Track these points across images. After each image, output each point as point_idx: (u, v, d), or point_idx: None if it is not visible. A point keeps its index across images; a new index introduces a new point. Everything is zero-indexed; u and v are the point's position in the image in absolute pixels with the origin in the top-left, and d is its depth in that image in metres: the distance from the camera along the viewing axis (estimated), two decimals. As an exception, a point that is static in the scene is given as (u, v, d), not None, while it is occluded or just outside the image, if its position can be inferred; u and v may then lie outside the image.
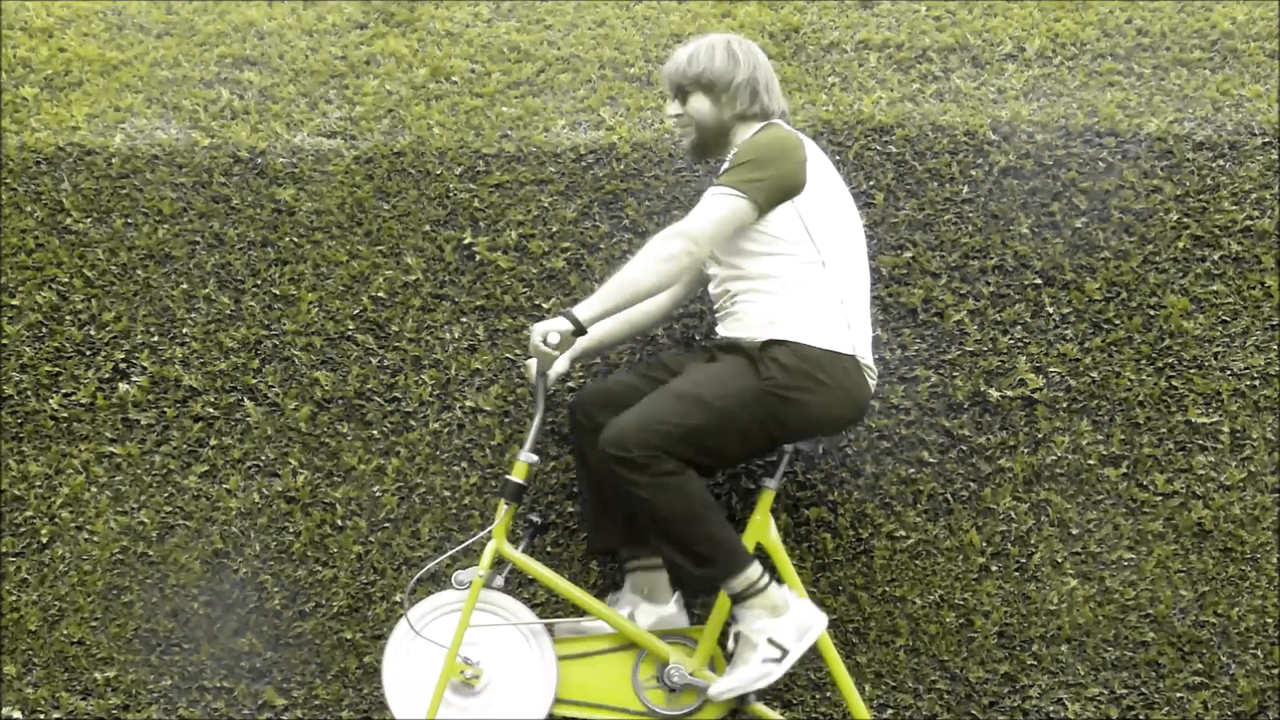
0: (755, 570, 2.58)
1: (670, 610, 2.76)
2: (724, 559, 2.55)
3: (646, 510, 2.53)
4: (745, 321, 2.65)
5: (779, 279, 2.61)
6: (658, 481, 2.50)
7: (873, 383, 2.68)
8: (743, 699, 2.68)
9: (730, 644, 2.63)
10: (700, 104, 2.72)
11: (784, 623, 2.56)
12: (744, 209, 2.55)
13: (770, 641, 2.55)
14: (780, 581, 2.66)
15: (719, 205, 2.55)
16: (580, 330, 2.54)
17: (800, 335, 2.58)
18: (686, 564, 2.56)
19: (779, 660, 2.54)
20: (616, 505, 2.72)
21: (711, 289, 2.79)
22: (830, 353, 2.58)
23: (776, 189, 2.57)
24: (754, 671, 2.54)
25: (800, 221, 2.60)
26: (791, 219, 2.59)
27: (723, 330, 2.74)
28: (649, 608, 2.77)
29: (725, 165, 2.63)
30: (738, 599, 2.58)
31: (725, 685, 2.56)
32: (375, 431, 3.10)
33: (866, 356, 2.67)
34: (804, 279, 2.60)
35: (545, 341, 2.52)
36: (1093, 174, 3.10)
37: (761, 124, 2.74)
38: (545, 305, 3.11)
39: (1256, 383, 3.04)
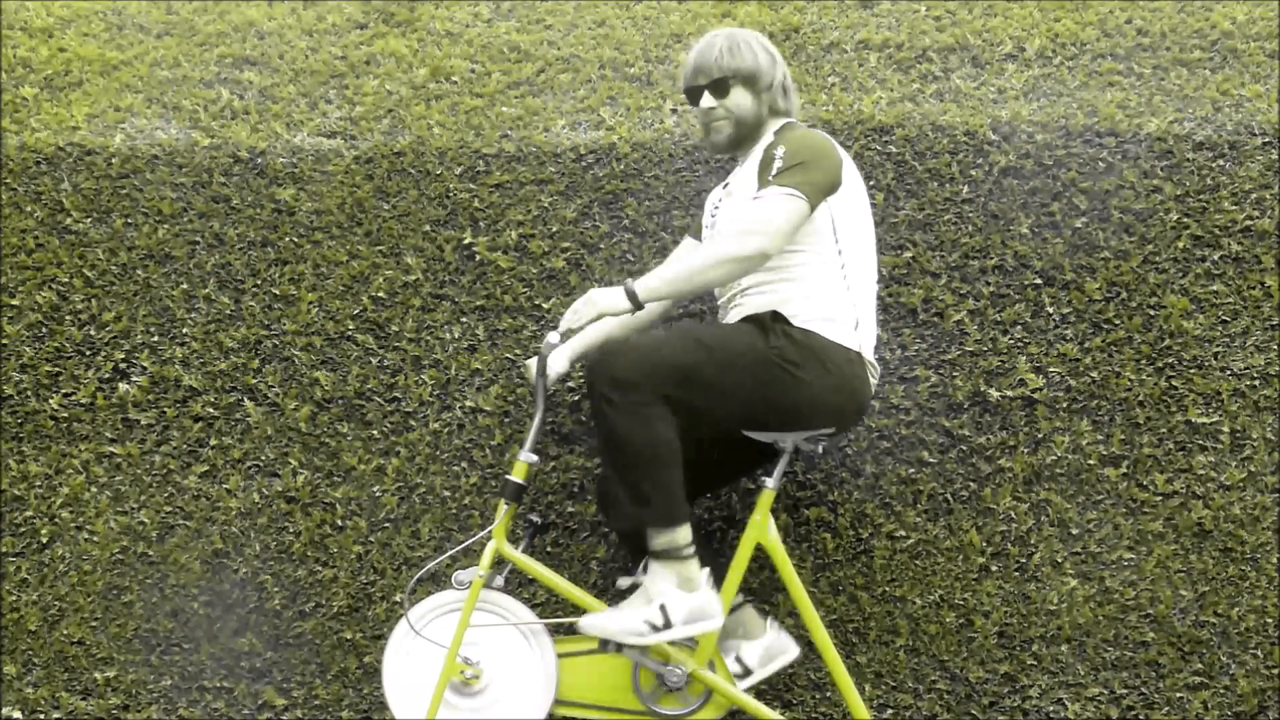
0: (684, 535, 2.51)
1: (772, 638, 2.77)
2: (659, 506, 2.48)
3: (606, 430, 2.47)
4: (752, 309, 2.64)
5: (795, 270, 2.60)
6: (630, 405, 2.44)
7: (874, 382, 2.68)
8: (606, 644, 2.61)
9: (635, 593, 2.58)
10: (742, 98, 2.69)
11: (684, 599, 2.50)
12: (805, 210, 2.53)
13: (661, 607, 2.49)
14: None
15: (788, 207, 2.51)
16: (637, 306, 2.50)
17: (810, 324, 2.57)
18: (624, 495, 2.51)
19: (658, 629, 2.48)
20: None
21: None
22: (838, 345, 2.58)
23: (824, 190, 2.57)
24: (631, 623, 2.49)
25: (830, 219, 2.60)
26: (823, 216, 2.60)
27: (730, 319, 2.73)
28: (751, 645, 2.77)
29: (778, 165, 2.55)
30: (657, 555, 2.52)
31: (597, 622, 2.50)
32: (375, 431, 3.10)
33: (870, 356, 2.66)
34: (821, 275, 2.60)
35: (598, 316, 2.51)
36: (1093, 174, 3.10)
37: (784, 121, 2.74)
38: (545, 305, 3.11)
39: (1256, 383, 3.04)
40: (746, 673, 2.75)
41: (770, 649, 2.77)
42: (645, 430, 2.46)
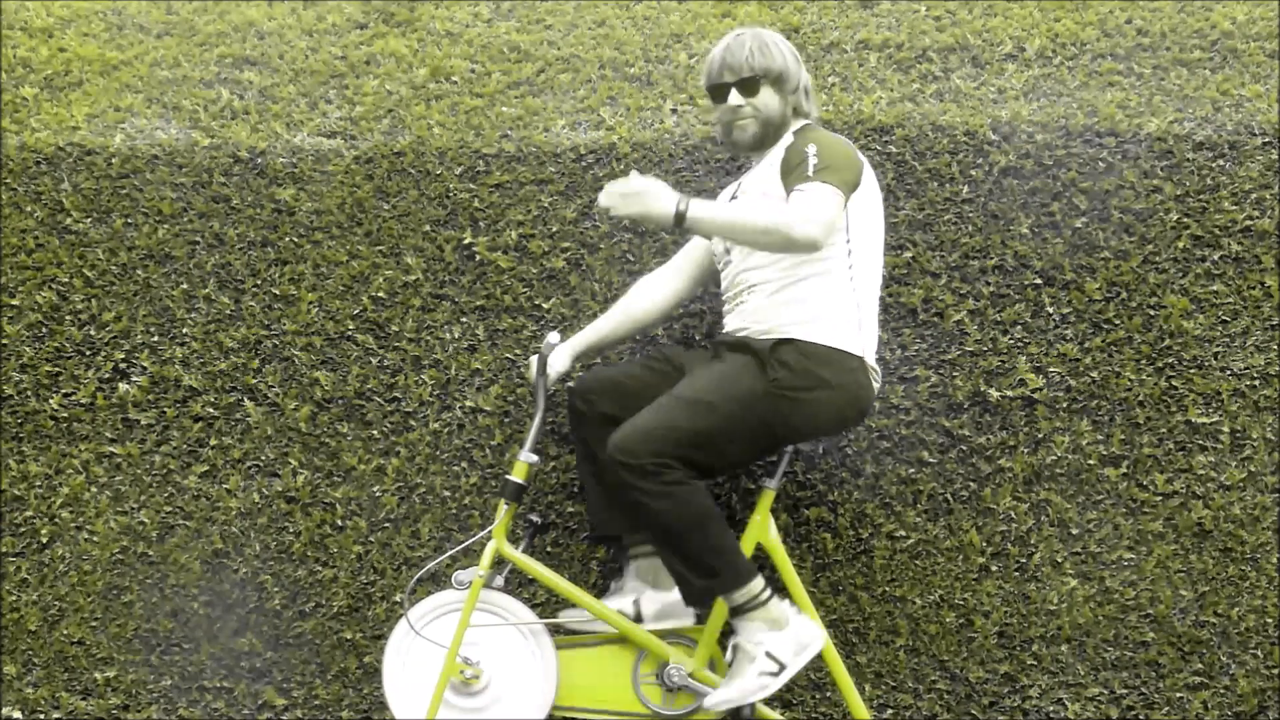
0: (758, 583, 2.58)
1: (675, 596, 2.74)
2: (727, 570, 2.55)
3: (651, 518, 2.53)
4: (758, 315, 2.64)
5: (802, 269, 2.60)
6: (665, 489, 2.50)
7: (876, 385, 2.68)
8: (737, 711, 2.68)
9: (729, 654, 2.63)
10: (770, 98, 2.69)
11: (783, 637, 2.57)
12: (843, 206, 2.56)
13: (768, 655, 2.55)
14: (782, 595, 2.65)
15: (836, 202, 2.51)
16: (680, 220, 2.49)
17: (812, 333, 2.58)
18: (689, 574, 2.57)
19: (776, 674, 2.54)
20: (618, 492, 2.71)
21: (724, 280, 2.78)
22: (839, 351, 2.58)
23: (853, 190, 2.59)
24: (751, 684, 2.54)
25: (845, 218, 2.60)
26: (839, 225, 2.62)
27: (732, 322, 2.72)
28: (654, 594, 2.77)
29: (814, 163, 2.54)
30: (737, 611, 2.58)
31: (721, 697, 2.56)
32: (375, 431, 3.10)
33: (872, 359, 2.67)
34: (827, 273, 2.60)
35: (639, 220, 2.51)
36: (1093, 174, 3.10)
37: (803, 123, 2.76)
38: (545, 305, 3.11)
39: (1256, 383, 3.03)
40: (638, 618, 2.76)
41: (669, 608, 2.77)
42: (685, 506, 2.52)
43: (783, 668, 2.55)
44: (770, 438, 2.61)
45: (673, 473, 2.50)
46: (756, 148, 2.74)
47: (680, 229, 2.51)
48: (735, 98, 2.69)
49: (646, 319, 2.90)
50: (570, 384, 2.96)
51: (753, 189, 2.69)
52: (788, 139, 2.70)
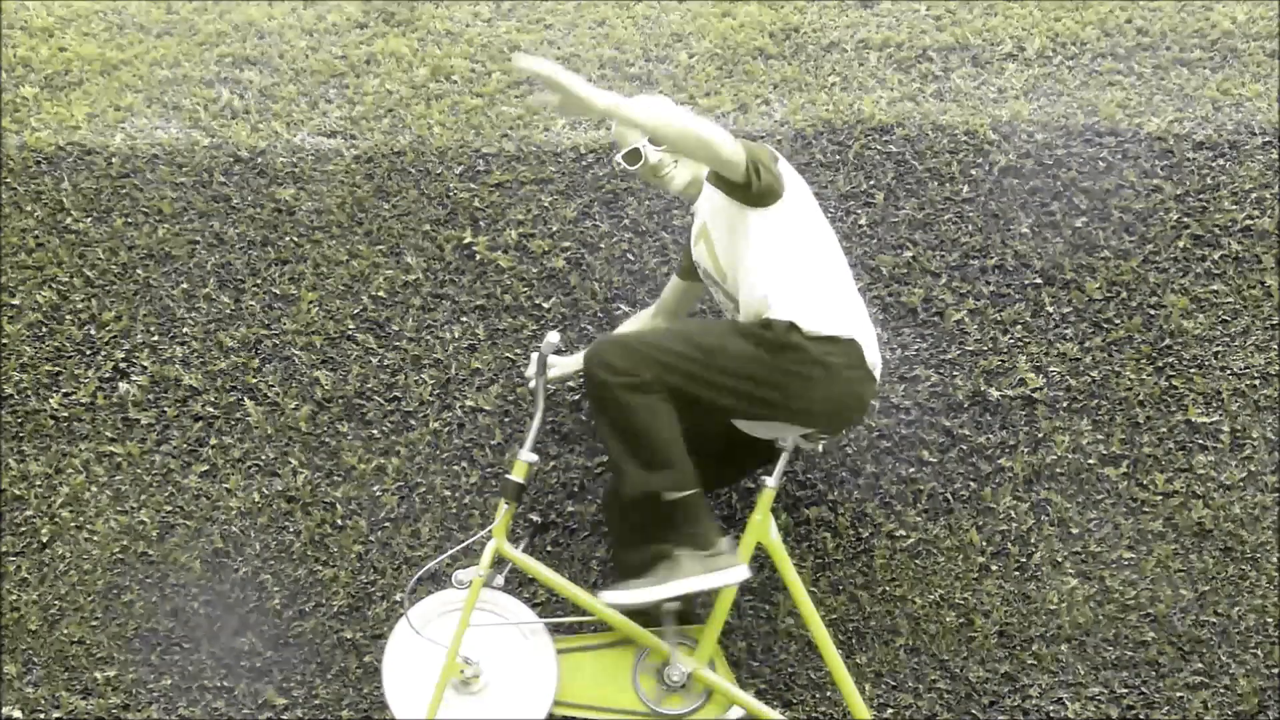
0: (697, 496, 2.54)
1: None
2: (670, 470, 2.51)
3: (604, 409, 2.50)
4: (748, 312, 2.64)
5: (775, 272, 2.59)
6: (634, 396, 2.47)
7: (877, 371, 2.65)
8: (645, 614, 2.66)
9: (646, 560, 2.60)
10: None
11: (703, 556, 2.53)
12: (761, 172, 2.52)
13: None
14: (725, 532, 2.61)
15: (748, 150, 2.50)
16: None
17: (802, 318, 2.57)
18: (631, 463, 2.52)
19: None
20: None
21: (716, 299, 2.78)
22: (831, 338, 2.57)
23: (772, 183, 2.56)
24: (648, 593, 2.51)
25: (791, 225, 2.59)
26: (785, 222, 2.59)
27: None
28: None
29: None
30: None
31: (615, 597, 2.53)
32: (375, 431, 3.10)
33: (871, 348, 2.64)
34: (806, 273, 2.59)
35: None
36: (1093, 173, 3.10)
37: None
38: (545, 305, 3.11)
39: (1256, 382, 3.04)
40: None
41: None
42: (646, 411, 2.48)
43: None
44: (760, 401, 2.56)
45: (642, 376, 2.47)
46: (697, 186, 2.71)
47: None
48: (653, 153, 2.67)
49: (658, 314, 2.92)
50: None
51: (718, 231, 2.66)
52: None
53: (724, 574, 2.52)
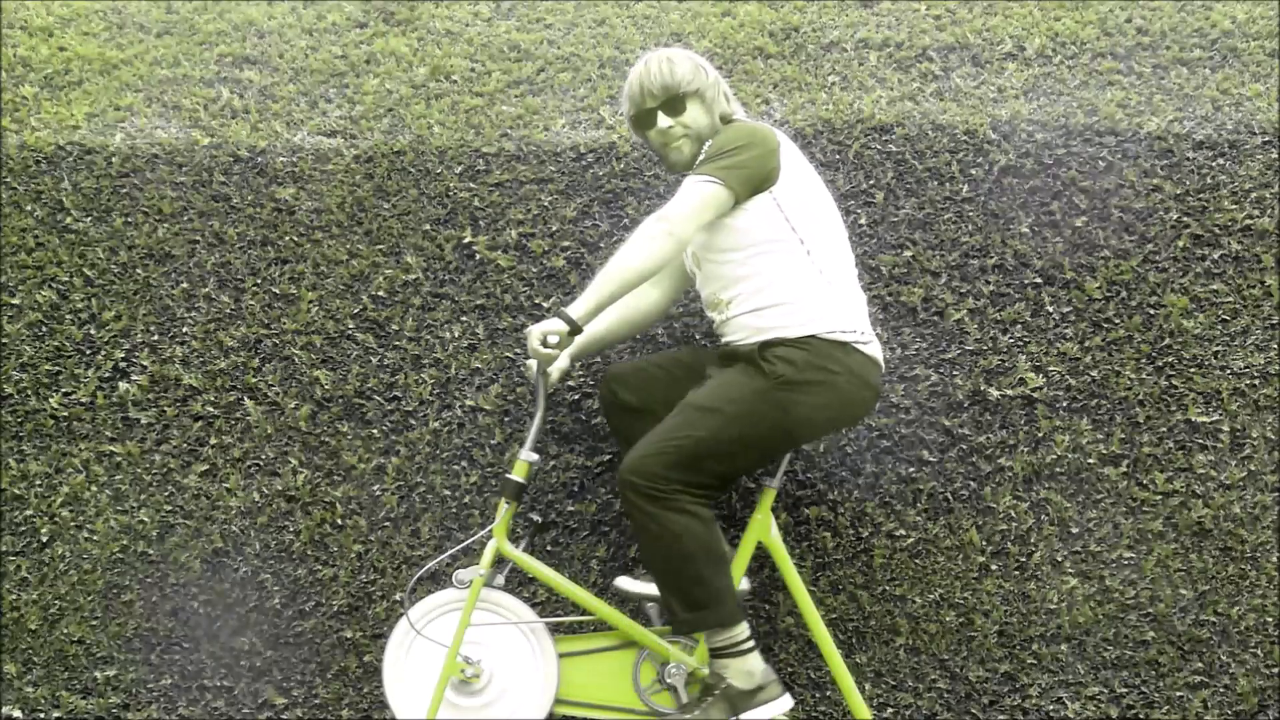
0: (742, 630, 2.58)
1: None
2: (715, 608, 2.55)
3: (650, 542, 2.53)
4: (740, 327, 2.64)
5: (766, 276, 2.59)
6: (669, 515, 2.50)
7: (878, 356, 2.65)
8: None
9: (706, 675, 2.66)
10: (696, 111, 2.66)
11: (749, 695, 2.58)
12: (722, 196, 2.53)
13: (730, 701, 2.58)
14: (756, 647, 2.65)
15: (697, 192, 2.52)
16: (576, 329, 2.52)
17: (797, 329, 2.57)
18: (676, 603, 2.56)
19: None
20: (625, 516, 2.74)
21: (703, 296, 2.77)
22: (830, 341, 2.57)
23: (753, 176, 2.55)
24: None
25: (780, 211, 2.58)
26: (770, 211, 2.58)
27: (723, 333, 2.73)
28: None
29: (702, 156, 2.60)
30: (717, 653, 2.59)
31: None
32: (375, 431, 3.10)
33: (867, 334, 2.63)
34: (790, 270, 2.58)
35: (544, 343, 2.51)
36: (1093, 173, 3.10)
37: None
38: (545, 304, 3.11)
39: (1256, 382, 3.04)
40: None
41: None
42: (686, 536, 2.51)
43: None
44: (781, 436, 2.58)
45: (681, 499, 2.50)
46: (693, 164, 2.70)
47: (579, 326, 2.51)
48: (663, 120, 2.67)
49: (643, 321, 2.90)
50: (578, 382, 2.96)
51: None
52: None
53: (770, 707, 2.59)
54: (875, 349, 2.64)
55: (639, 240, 2.51)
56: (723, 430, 2.52)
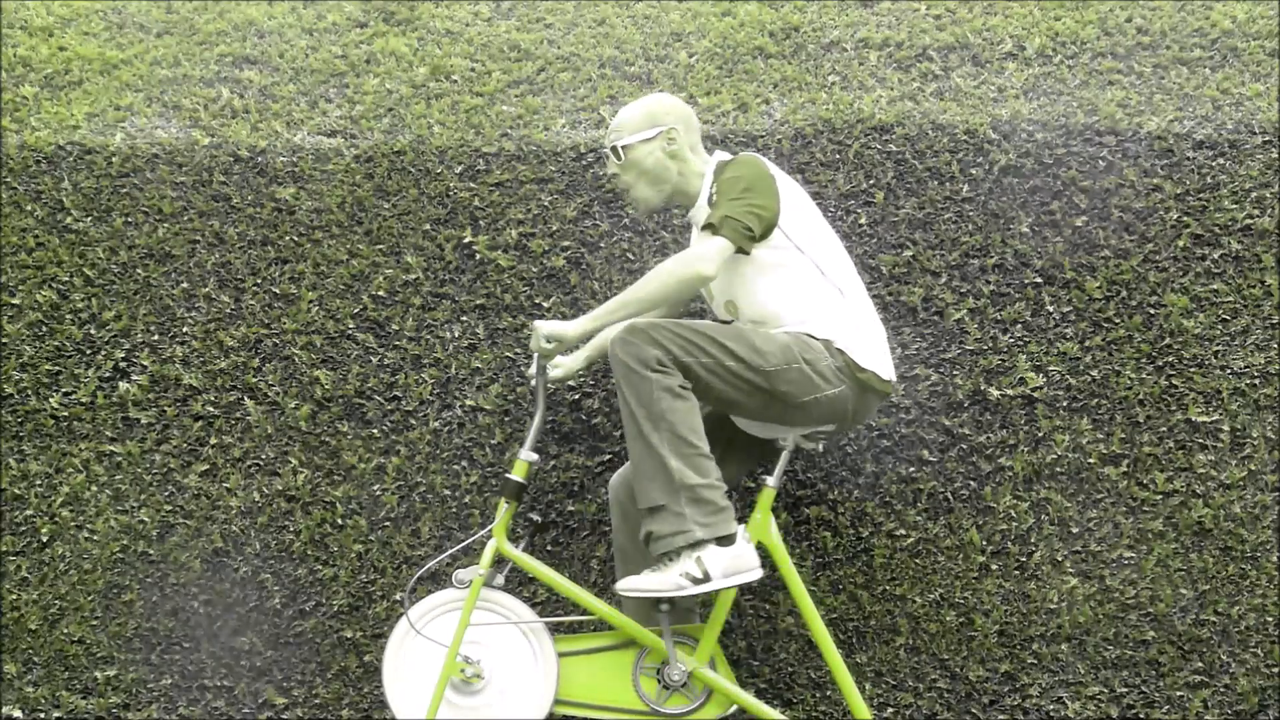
0: (721, 488, 2.52)
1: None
2: (694, 460, 2.48)
3: (638, 400, 2.48)
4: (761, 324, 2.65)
5: (782, 304, 2.60)
6: (661, 381, 2.46)
7: (888, 378, 2.65)
8: (658, 604, 2.63)
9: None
10: (641, 153, 2.67)
11: (722, 552, 2.48)
12: (743, 242, 2.55)
13: (699, 560, 2.47)
14: (741, 526, 2.59)
15: (722, 246, 2.52)
16: (577, 340, 2.54)
17: (820, 334, 2.58)
18: (648, 466, 2.49)
19: (697, 582, 2.46)
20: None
21: (716, 306, 2.77)
22: (822, 341, 2.58)
23: (765, 219, 2.56)
24: (668, 580, 2.46)
25: (788, 240, 2.59)
26: (779, 240, 2.59)
27: None
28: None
29: (715, 213, 2.57)
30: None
31: (632, 584, 2.49)
32: (375, 430, 3.10)
33: (885, 371, 2.64)
34: (805, 292, 2.60)
35: (547, 340, 2.52)
36: (1093, 173, 3.10)
37: (717, 160, 2.72)
38: (545, 304, 3.11)
39: (1256, 381, 3.04)
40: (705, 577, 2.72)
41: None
42: (677, 408, 2.46)
43: (706, 579, 2.46)
44: (768, 396, 2.56)
45: (670, 374, 2.46)
46: (663, 203, 2.72)
47: (577, 338, 2.53)
48: (612, 165, 2.70)
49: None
50: (573, 395, 2.96)
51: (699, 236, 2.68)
52: (709, 179, 2.69)
53: (739, 577, 2.50)
54: (886, 375, 2.64)
55: (664, 277, 2.49)
56: (718, 347, 2.50)
